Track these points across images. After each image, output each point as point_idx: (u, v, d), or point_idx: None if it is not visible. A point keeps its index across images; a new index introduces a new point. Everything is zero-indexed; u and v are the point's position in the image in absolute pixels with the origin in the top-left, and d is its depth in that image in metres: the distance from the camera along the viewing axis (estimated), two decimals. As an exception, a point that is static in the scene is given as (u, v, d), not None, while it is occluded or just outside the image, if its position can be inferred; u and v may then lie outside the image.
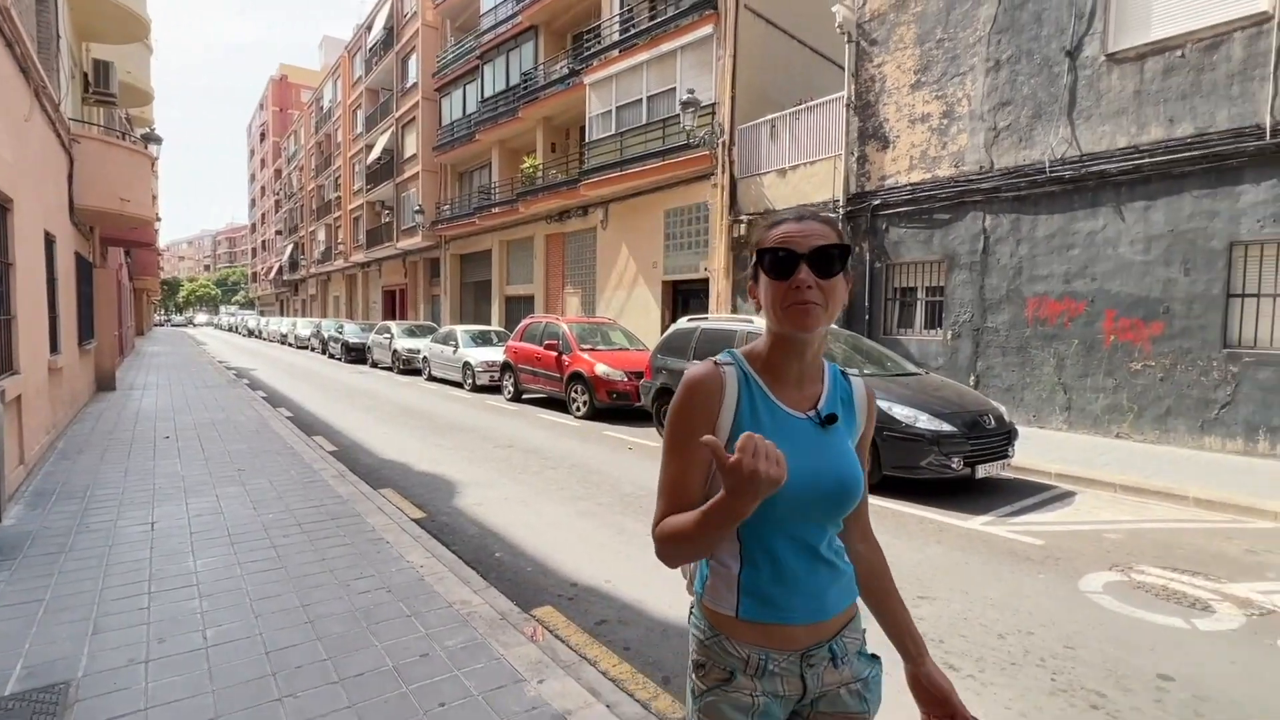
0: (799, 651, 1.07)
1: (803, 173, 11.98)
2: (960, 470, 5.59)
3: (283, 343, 32.66)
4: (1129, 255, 8.06)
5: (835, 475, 1.06)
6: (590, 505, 5.47)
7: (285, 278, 51.06)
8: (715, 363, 1.10)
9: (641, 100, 14.93)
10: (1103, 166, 8.21)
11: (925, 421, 5.68)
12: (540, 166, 18.91)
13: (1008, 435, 6.04)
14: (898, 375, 6.92)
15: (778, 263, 1.04)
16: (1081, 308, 8.47)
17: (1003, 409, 6.37)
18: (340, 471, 5.98)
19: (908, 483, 5.86)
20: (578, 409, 10.39)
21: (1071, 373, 8.56)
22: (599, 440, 8.49)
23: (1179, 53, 7.66)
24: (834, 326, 9.04)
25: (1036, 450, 7.21)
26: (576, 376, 10.45)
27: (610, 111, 15.74)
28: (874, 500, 5.67)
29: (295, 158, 48.61)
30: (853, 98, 11.07)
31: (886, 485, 5.91)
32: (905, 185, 10.38)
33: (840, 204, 11.16)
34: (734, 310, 13.00)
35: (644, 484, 6.18)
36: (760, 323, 7.64)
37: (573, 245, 18.42)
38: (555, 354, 11.02)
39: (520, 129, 20.06)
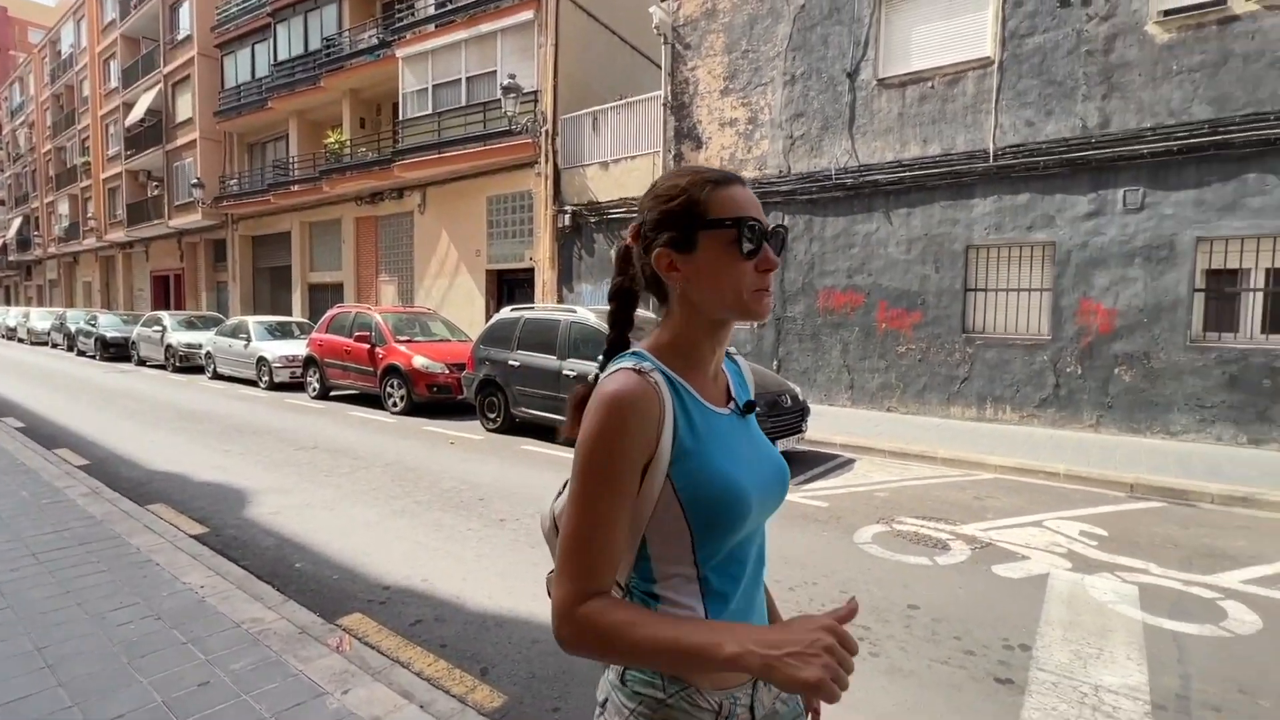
0: (751, 679, 0.91)
1: (624, 167, 12.32)
2: (762, 446, 6.16)
3: (10, 338, 26.68)
4: (896, 254, 9.40)
5: (773, 465, 0.97)
6: (407, 504, 5.20)
7: (12, 258, 41.69)
8: (639, 371, 0.86)
9: (461, 81, 14.34)
10: (876, 177, 9.47)
11: (733, 403, 6.17)
12: (348, 142, 17.40)
13: (802, 413, 6.77)
14: (710, 361, 7.42)
15: (751, 237, 0.88)
16: (861, 300, 9.72)
17: (798, 389, 7.13)
18: (93, 488, 5.06)
19: (719, 460, 6.34)
20: (394, 404, 9.79)
21: (854, 356, 9.81)
22: (418, 436, 8.08)
23: (930, 84, 9.06)
24: (654, 315, 9.46)
25: (826, 425, 8.16)
26: (392, 370, 9.83)
27: (427, 90, 14.91)
28: (689, 478, 6.06)
29: (22, 111, 39.74)
30: (669, 98, 11.59)
31: (700, 464, 6.34)
32: (716, 184, 11.11)
33: (659, 199, 11.64)
34: (560, 300, 13.05)
35: (466, 478, 6.01)
36: (584, 313, 7.80)
37: (388, 229, 17.23)
38: (368, 346, 10.26)
39: (323, 99, 18.26)
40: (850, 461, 6.86)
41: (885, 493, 5.69)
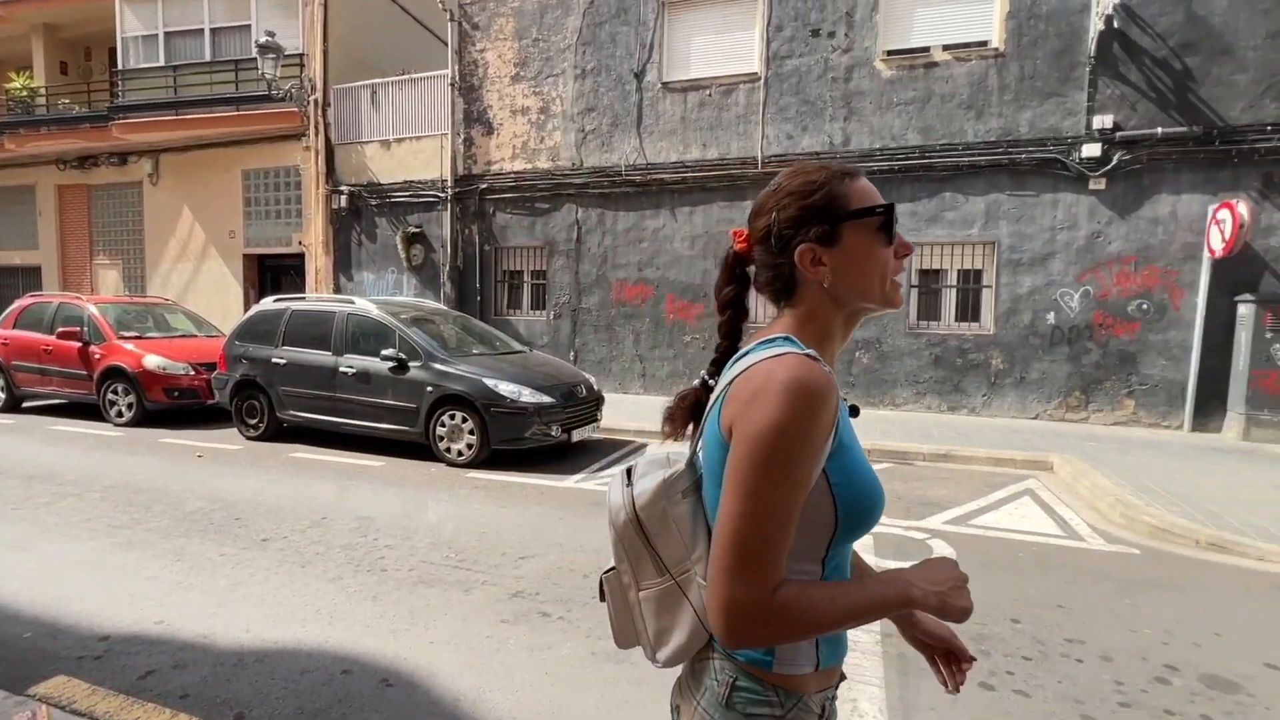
0: (838, 680, 0.96)
1: (409, 147, 11.52)
2: (559, 437, 6.19)
3: None
4: (681, 250, 10.02)
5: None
6: (137, 533, 4.33)
7: None
8: (812, 357, 0.83)
9: (204, 31, 12.25)
10: (662, 175, 9.98)
11: (528, 395, 6.10)
12: (41, 89, 13.97)
13: (597, 402, 6.93)
14: (506, 354, 7.27)
15: (888, 223, 0.90)
16: (651, 292, 10.22)
17: (593, 379, 7.28)
18: None
19: (513, 454, 6.24)
20: (119, 414, 8.11)
21: (645, 345, 10.29)
22: (153, 450, 6.80)
23: (708, 92, 9.77)
24: (444, 308, 9.01)
25: (621, 413, 8.46)
26: (115, 373, 8.12)
27: (157, 36, 12.51)
28: (484, 475, 5.88)
29: None
30: (457, 78, 11.07)
31: (494, 459, 6.18)
32: (510, 173, 10.89)
33: (449, 184, 11.10)
34: (337, 290, 11.86)
35: (219, 496, 5.18)
36: (364, 303, 7.13)
37: (105, 202, 14.19)
38: (79, 344, 8.35)
39: (4, 32, 14.42)
40: (643, 446, 7.19)
41: (674, 474, 6.05)
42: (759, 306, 1.03)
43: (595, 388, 7.10)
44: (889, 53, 8.86)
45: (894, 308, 0.94)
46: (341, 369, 6.73)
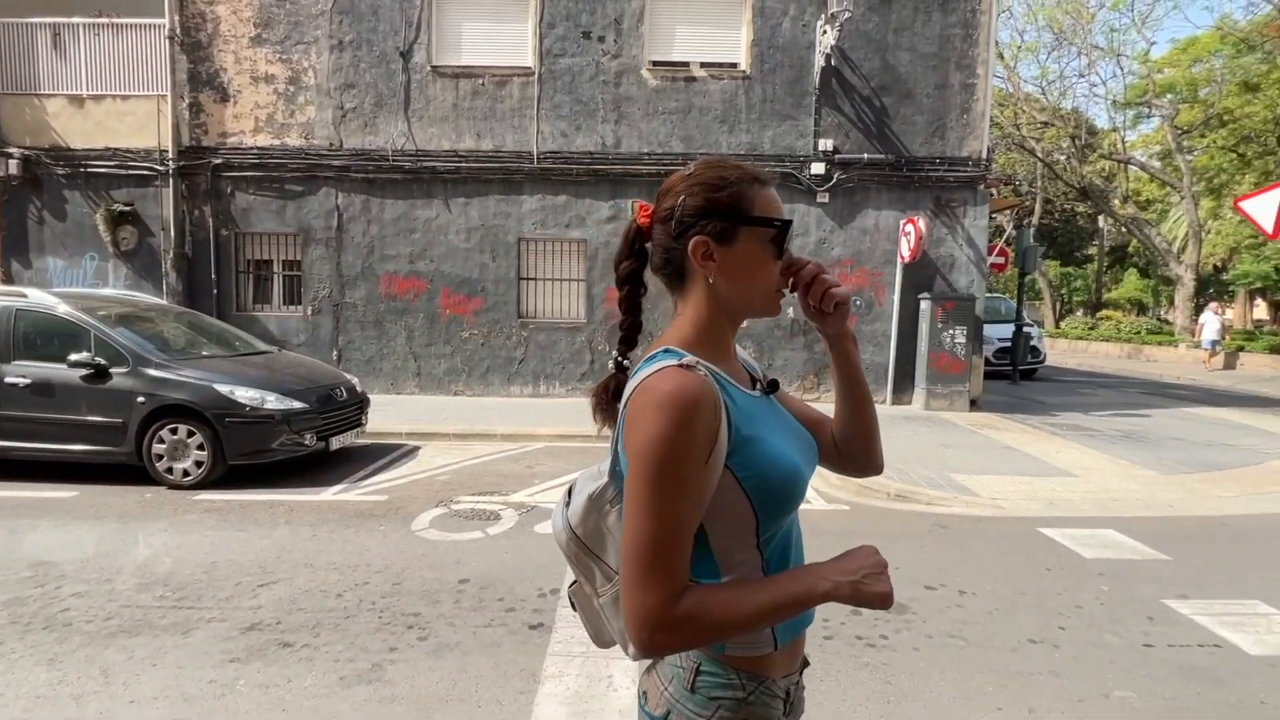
0: (801, 665, 1.00)
1: (113, 107, 9.51)
2: (314, 445, 5.59)
3: None
4: (456, 242, 9.65)
5: (805, 438, 1.00)
6: None
7: None
8: (686, 366, 0.84)
9: None
10: (434, 163, 9.50)
11: (274, 401, 5.41)
12: None
13: (361, 405, 6.39)
14: (247, 355, 6.36)
15: (781, 238, 0.91)
16: (424, 285, 9.69)
17: (356, 380, 6.69)
18: None
19: (257, 469, 5.50)
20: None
21: (419, 342, 9.74)
22: None
23: (481, 81, 9.50)
24: (164, 303, 7.62)
25: (392, 414, 7.91)
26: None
27: None
28: (217, 496, 5.09)
29: None
30: (178, 30, 9.38)
31: (233, 476, 5.39)
32: (252, 148, 9.54)
33: (170, 156, 9.39)
34: (8, 280, 9.40)
35: None
36: (43, 296, 5.71)
37: None
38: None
39: None
40: (415, 450, 6.80)
41: (447, 475, 5.82)
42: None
43: (359, 389, 6.54)
44: (655, 63, 9.43)
45: (771, 316, 0.99)
46: (8, 380, 5.33)
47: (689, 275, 0.93)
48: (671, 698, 0.90)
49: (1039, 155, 23.22)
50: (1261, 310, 33.44)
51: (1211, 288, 28.36)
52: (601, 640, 1.05)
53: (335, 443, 5.85)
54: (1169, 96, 21.37)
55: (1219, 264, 26.99)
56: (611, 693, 2.60)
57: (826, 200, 9.42)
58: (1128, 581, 3.81)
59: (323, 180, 9.54)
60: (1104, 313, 30.87)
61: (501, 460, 6.43)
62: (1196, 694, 2.73)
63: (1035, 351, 14.30)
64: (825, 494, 5.45)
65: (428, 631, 3.05)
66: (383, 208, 9.61)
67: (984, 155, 9.37)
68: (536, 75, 9.43)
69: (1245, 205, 7.53)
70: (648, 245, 0.98)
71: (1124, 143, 24.30)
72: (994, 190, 9.82)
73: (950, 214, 9.46)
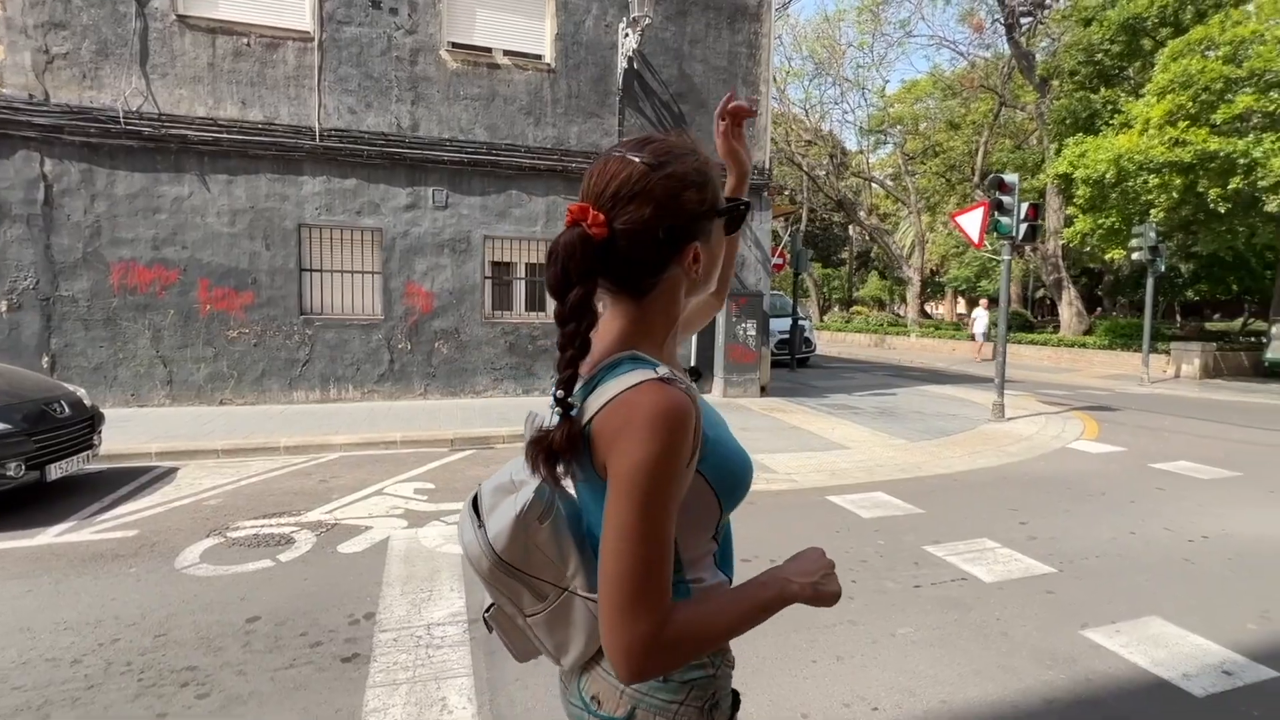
0: None
1: None
2: (23, 477, 4.39)
3: None
4: (217, 226, 8.25)
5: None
6: None
7: None
8: (667, 380, 0.78)
9: None
10: (184, 131, 8.01)
11: (-43, 421, 4.14)
12: None
13: (90, 422, 5.16)
14: (-94, 362, 4.79)
15: (741, 221, 0.93)
16: (175, 276, 8.15)
17: (82, 392, 5.39)
18: None
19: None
20: None
21: (170, 344, 8.18)
22: None
23: (245, 40, 8.22)
24: None
25: (136, 431, 6.54)
26: None
27: None
28: None
29: None
30: None
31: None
32: (-97, 90, 7.23)
33: None
34: None
35: None
36: None
37: None
38: None
39: None
40: (171, 472, 5.68)
41: (218, 499, 4.95)
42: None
43: (87, 403, 5.27)
44: (455, 45, 8.93)
45: (722, 298, 1.02)
46: None
47: (661, 280, 0.86)
48: (637, 693, 0.86)
49: (805, 169, 26.41)
50: (961, 306, 41.77)
51: (929, 288, 34.71)
52: (524, 655, 0.98)
53: (55, 471, 4.64)
54: (899, 127, 25.66)
55: (933, 268, 33.12)
56: (447, 716, 2.38)
57: (631, 199, 9.72)
58: (896, 534, 4.46)
59: (20, 141, 7.55)
60: (856, 308, 36.19)
61: (289, 476, 5.63)
62: (954, 620, 3.26)
63: (808, 342, 16.28)
64: (643, 482, 5.61)
65: (209, 686, 2.53)
66: (113, 181, 7.88)
67: (766, 165, 10.37)
68: (317, 42, 8.41)
69: (959, 219, 9.23)
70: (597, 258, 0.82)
71: (868, 163, 28.65)
72: (774, 197, 10.92)
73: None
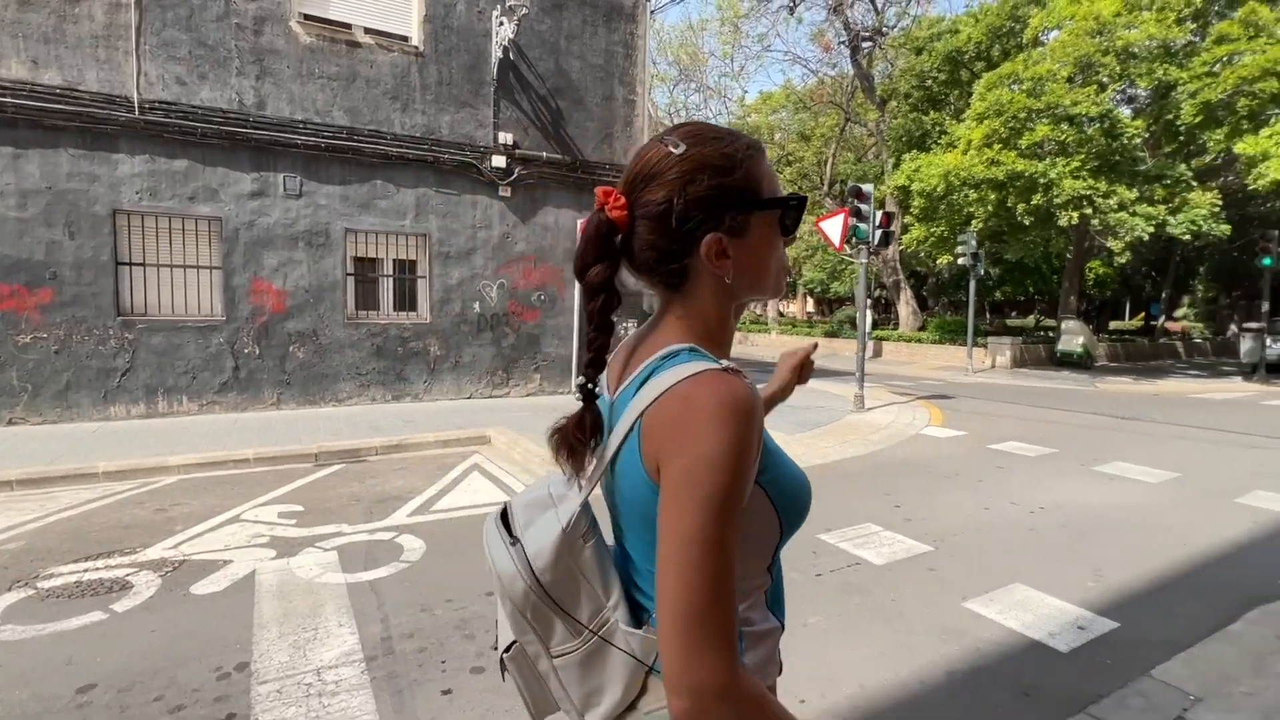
0: None
1: None
2: None
3: None
4: (2, 210, 6.83)
5: None
6: None
7: None
8: (731, 370, 0.72)
9: None
10: (-50, 91, 6.54)
11: None
12: None
13: None
14: None
15: (796, 223, 0.83)
16: (-58, 268, 6.63)
17: None
18: None
19: None
20: None
21: (-63, 352, 6.64)
22: None
23: (35, -13, 6.86)
24: None
25: (-111, 462, 5.23)
26: None
27: None
28: None
29: None
30: None
31: None
32: None
33: None
34: None
35: None
36: None
37: None
38: None
39: None
40: (-52, 509, 4.60)
41: (20, 541, 4.06)
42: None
43: None
44: (307, 16, 8.07)
45: (775, 298, 0.98)
46: None
47: (692, 274, 0.80)
48: None
49: (671, 173, 27.12)
50: (810, 305, 45.16)
51: (791, 288, 37.21)
52: (541, 711, 0.85)
53: None
54: (757, 135, 27.19)
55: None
56: (355, 778, 2.09)
57: (509, 195, 9.38)
58: (791, 526, 4.64)
59: None
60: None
61: (114, 507, 4.77)
62: (856, 605, 3.43)
63: (680, 341, 16.73)
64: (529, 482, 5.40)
65: (31, 784, 2.02)
66: None
67: (643, 166, 10.46)
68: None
69: (822, 225, 9.86)
70: (617, 241, 0.80)
71: (728, 170, 30.02)
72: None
73: (619, 217, 10.32)
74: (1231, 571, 3.97)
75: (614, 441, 0.78)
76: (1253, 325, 15.60)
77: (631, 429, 0.74)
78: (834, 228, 9.45)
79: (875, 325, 23.34)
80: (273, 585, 3.47)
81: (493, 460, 6.41)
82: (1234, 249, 19.39)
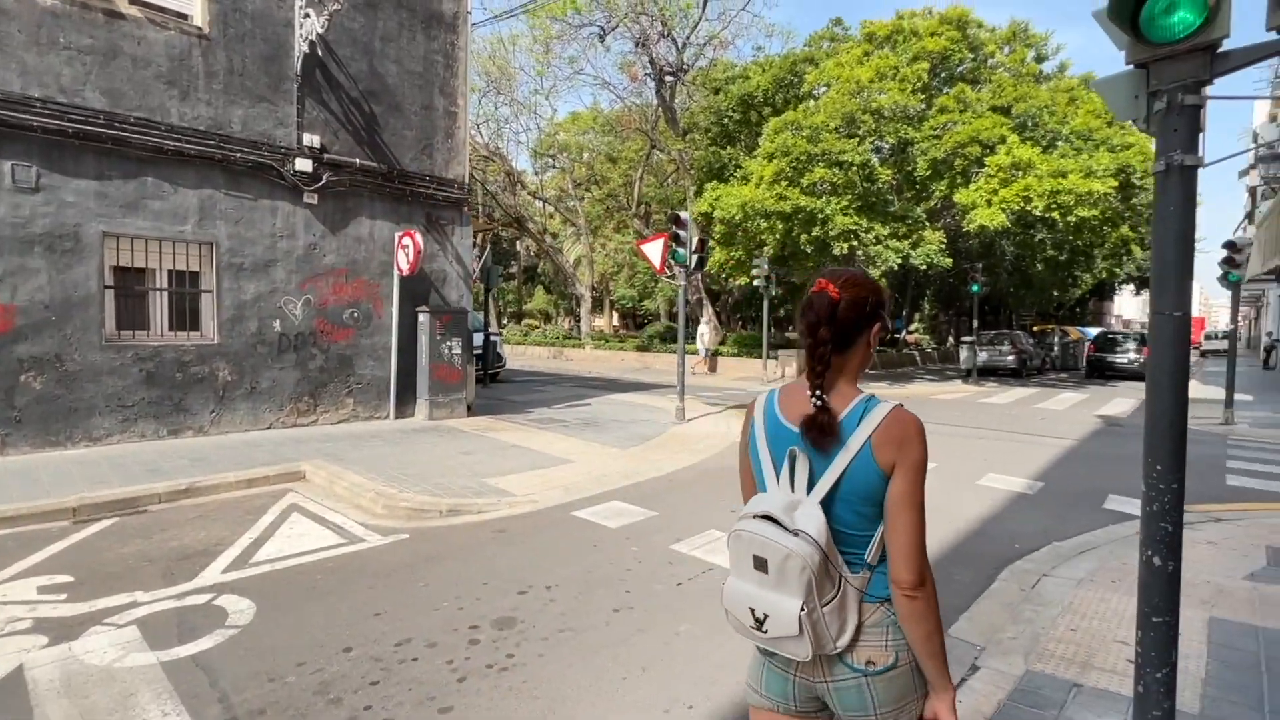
0: None
1: None
2: None
3: None
4: None
5: None
6: None
7: None
8: (900, 405, 1.32)
9: None
10: None
11: None
12: None
13: None
14: None
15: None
16: None
17: None
18: None
19: None
20: None
21: None
22: None
23: None
24: None
25: None
26: None
27: None
28: None
29: None
30: None
31: None
32: None
33: None
34: None
35: None
36: None
37: None
38: None
39: None
40: None
41: None
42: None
43: None
44: (45, -27, 6.63)
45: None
46: None
47: (856, 341, 1.36)
48: (896, 643, 1.29)
49: (483, 185, 26.55)
50: (616, 319, 46.87)
51: (599, 303, 38.18)
52: (821, 648, 1.27)
53: None
54: (565, 154, 27.67)
55: (595, 285, 36.56)
56: None
57: (315, 201, 8.52)
58: (644, 538, 4.85)
59: None
60: (527, 321, 37.63)
61: None
62: (718, 608, 3.70)
63: (499, 357, 16.38)
64: (377, 526, 5.00)
65: None
66: None
67: (466, 180, 10.17)
68: None
69: (644, 248, 10.40)
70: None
71: (540, 184, 30.16)
72: (475, 213, 10.77)
73: (440, 231, 9.90)
74: (984, 541, 4.98)
75: (847, 454, 1.27)
76: (967, 339, 19.54)
77: (864, 444, 1.26)
78: (654, 251, 10.03)
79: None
80: (53, 680, 2.81)
81: (313, 498, 5.78)
82: (951, 276, 24.12)
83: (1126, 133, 15.48)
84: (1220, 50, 2.28)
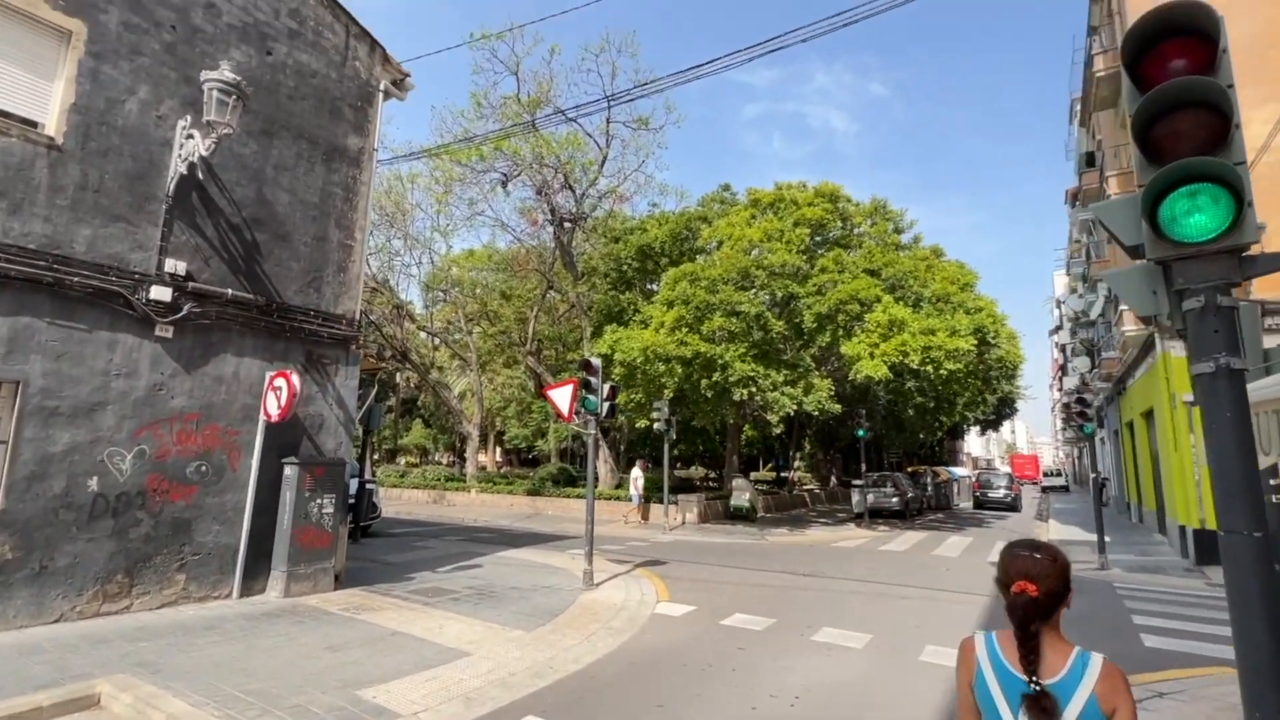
0: None
1: None
2: None
3: None
4: None
5: None
6: None
7: None
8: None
9: None
10: None
11: None
12: None
13: None
14: None
15: None
16: None
17: None
18: None
19: None
20: None
21: None
22: None
23: None
24: None
25: None
26: None
27: None
28: None
29: None
30: None
31: None
32: None
33: None
34: None
35: None
36: None
37: None
38: None
39: None
40: None
41: None
42: None
43: None
44: None
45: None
46: None
47: (1059, 611, 1.69)
48: None
49: (368, 316, 25.27)
50: (499, 455, 44.81)
51: (485, 439, 36.32)
52: None
53: None
54: (459, 289, 27.28)
55: (482, 421, 35.01)
56: None
57: (169, 335, 7.25)
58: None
59: None
60: (404, 458, 34.84)
61: None
62: None
63: (374, 507, 14.52)
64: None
65: None
66: None
67: (357, 316, 9.29)
68: None
69: (551, 394, 9.80)
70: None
71: (430, 315, 29.25)
72: (364, 351, 9.78)
73: (322, 371, 8.78)
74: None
75: (1076, 708, 1.58)
76: (857, 482, 20.12)
77: (1089, 698, 1.58)
78: (563, 398, 9.44)
79: (573, 481, 23.90)
80: None
81: (107, 742, 4.17)
82: (833, 419, 25.43)
83: (976, 298, 17.60)
84: (1246, 255, 2.23)
